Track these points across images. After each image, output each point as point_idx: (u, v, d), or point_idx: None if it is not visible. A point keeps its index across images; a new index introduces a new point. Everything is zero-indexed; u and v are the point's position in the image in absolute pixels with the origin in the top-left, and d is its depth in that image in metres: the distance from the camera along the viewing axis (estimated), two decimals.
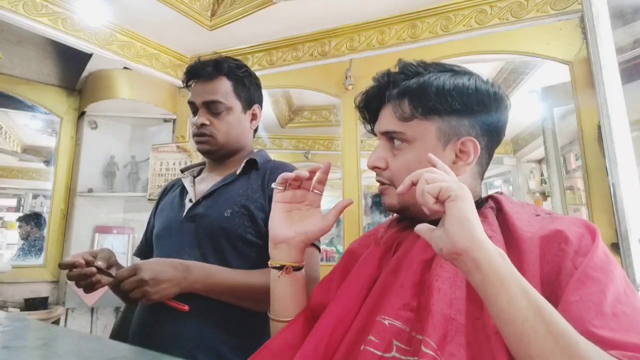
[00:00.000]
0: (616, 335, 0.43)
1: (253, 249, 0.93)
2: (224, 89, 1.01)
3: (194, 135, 1.03)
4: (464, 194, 0.46)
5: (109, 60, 2.28)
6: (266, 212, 0.93)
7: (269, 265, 0.67)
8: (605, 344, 0.42)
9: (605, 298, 0.46)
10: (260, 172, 1.01)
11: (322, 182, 0.67)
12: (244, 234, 0.92)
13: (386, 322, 0.53)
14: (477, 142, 0.60)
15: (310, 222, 0.65)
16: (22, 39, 2.11)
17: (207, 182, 1.04)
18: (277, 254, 0.66)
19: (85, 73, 2.45)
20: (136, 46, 2.35)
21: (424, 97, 0.60)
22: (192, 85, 1.04)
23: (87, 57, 2.28)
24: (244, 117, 1.06)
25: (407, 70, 0.63)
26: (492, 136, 0.63)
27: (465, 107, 0.60)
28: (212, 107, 1.00)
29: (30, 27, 1.95)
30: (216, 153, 1.04)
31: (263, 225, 0.93)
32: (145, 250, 1.10)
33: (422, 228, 0.52)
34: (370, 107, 0.69)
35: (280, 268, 0.66)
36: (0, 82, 2.40)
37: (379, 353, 0.51)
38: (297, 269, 0.67)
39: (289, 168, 1.01)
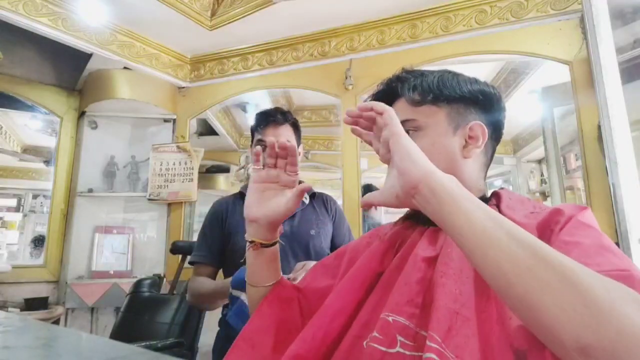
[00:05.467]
0: (601, 268, 0.43)
1: None
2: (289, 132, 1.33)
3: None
4: (400, 130, 0.50)
5: (109, 60, 2.28)
6: (331, 232, 1.35)
7: (245, 238, 0.70)
8: None
9: (586, 254, 0.46)
10: (318, 201, 1.37)
11: (292, 163, 0.68)
12: (324, 247, 1.29)
13: (390, 318, 0.54)
14: (485, 126, 0.64)
15: (275, 204, 0.67)
16: (22, 39, 2.11)
17: None
18: (250, 231, 0.69)
19: (85, 73, 2.45)
20: (136, 46, 2.35)
21: (433, 86, 0.66)
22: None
23: (87, 57, 2.28)
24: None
25: (414, 72, 0.70)
26: (495, 129, 0.68)
27: (471, 94, 0.65)
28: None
29: (30, 27, 1.95)
30: None
31: (330, 241, 1.34)
32: (212, 260, 1.29)
33: (369, 197, 0.54)
34: (383, 98, 0.73)
35: (251, 243, 0.69)
36: (0, 82, 2.40)
37: (383, 349, 0.52)
38: (267, 245, 0.69)
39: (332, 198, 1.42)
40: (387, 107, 0.51)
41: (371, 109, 0.52)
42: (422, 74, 0.69)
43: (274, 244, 0.70)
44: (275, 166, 0.68)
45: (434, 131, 0.65)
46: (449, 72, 0.69)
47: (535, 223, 0.54)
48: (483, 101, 0.66)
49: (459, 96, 0.65)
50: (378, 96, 0.72)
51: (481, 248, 0.41)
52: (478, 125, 0.64)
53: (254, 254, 0.69)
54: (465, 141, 0.64)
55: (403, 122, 0.63)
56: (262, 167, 0.69)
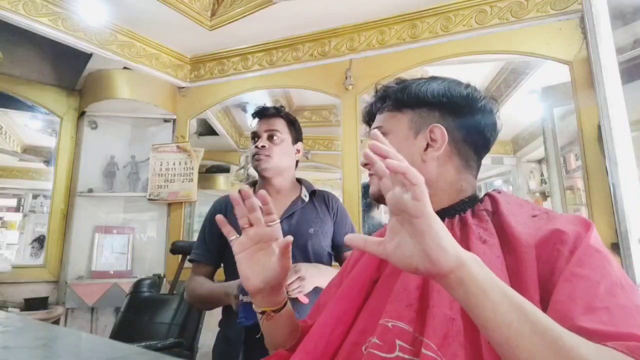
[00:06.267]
0: (609, 327, 0.42)
1: (328, 257, 1.30)
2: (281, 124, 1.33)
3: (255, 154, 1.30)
4: (431, 212, 0.43)
5: (109, 60, 2.28)
6: (332, 230, 1.32)
7: (255, 311, 0.68)
8: (597, 336, 0.41)
9: (595, 294, 0.46)
10: (319, 199, 1.35)
11: (268, 212, 0.64)
12: (324, 245, 1.28)
13: (389, 324, 0.54)
14: (444, 129, 0.64)
15: (270, 266, 0.64)
16: (22, 39, 2.11)
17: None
18: (257, 302, 0.67)
19: (85, 73, 2.45)
20: (136, 46, 2.35)
21: (397, 94, 0.69)
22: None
23: (87, 57, 2.28)
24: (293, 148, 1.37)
25: (394, 83, 0.73)
26: (471, 132, 0.66)
27: (434, 98, 0.66)
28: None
29: (30, 27, 1.95)
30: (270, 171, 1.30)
31: (332, 238, 1.32)
32: (210, 259, 1.30)
33: (364, 244, 0.48)
34: (370, 118, 0.76)
35: (263, 313, 0.67)
36: (0, 82, 2.40)
37: (382, 354, 0.51)
38: (279, 310, 0.67)
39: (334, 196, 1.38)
40: (421, 179, 0.43)
41: (403, 174, 0.43)
42: (397, 83, 0.71)
43: (285, 304, 0.68)
44: (250, 224, 0.64)
45: (395, 136, 0.67)
46: (424, 79, 0.69)
47: (534, 242, 0.53)
48: (448, 104, 0.65)
49: (421, 101, 0.66)
50: (366, 109, 0.76)
51: (504, 340, 0.41)
52: (437, 127, 0.64)
53: (270, 324, 0.67)
54: (427, 144, 0.65)
55: (373, 129, 0.68)
56: (237, 235, 0.65)
